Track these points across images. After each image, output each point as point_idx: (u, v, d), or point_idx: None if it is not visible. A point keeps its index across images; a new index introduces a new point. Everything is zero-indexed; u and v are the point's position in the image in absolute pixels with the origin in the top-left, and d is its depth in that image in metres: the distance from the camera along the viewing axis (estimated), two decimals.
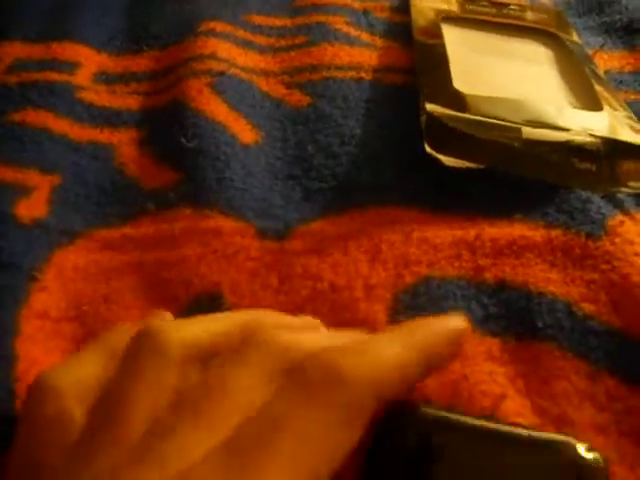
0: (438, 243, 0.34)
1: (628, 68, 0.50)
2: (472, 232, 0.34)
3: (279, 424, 0.19)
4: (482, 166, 0.37)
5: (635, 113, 0.43)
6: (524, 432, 0.24)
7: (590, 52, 0.51)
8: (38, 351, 0.30)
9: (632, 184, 0.37)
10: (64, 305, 0.32)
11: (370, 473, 0.23)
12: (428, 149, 0.37)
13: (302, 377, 0.20)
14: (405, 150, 0.40)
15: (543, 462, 0.23)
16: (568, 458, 0.23)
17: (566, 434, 0.25)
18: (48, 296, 0.33)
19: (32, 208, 0.37)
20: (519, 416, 0.27)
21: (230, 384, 0.21)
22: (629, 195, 0.37)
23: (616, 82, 0.48)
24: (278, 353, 0.22)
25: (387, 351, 0.22)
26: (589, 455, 0.23)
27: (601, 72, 0.48)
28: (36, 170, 0.39)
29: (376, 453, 0.23)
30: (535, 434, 0.24)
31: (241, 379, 0.21)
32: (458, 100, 0.40)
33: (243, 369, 0.21)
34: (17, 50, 0.50)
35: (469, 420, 0.25)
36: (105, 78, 0.48)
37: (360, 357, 0.21)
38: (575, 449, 0.24)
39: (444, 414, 0.25)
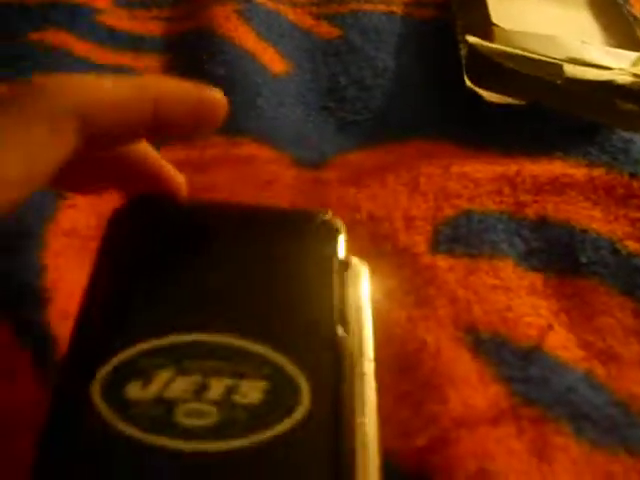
0: (478, 178, 0.33)
1: None
2: (513, 168, 0.34)
3: None
4: (523, 102, 0.36)
5: None
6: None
7: None
8: (67, 265, 0.29)
9: None
10: (94, 223, 0.31)
11: (104, 264, 0.22)
12: (468, 83, 0.36)
13: (15, 91, 0.21)
14: (441, 84, 0.39)
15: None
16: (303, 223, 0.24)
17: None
18: (77, 213, 0.31)
19: None
20: (564, 349, 0.27)
21: None
22: None
23: None
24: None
25: (102, 81, 0.22)
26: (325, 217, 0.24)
27: (638, 14, 0.47)
28: None
29: (110, 243, 0.23)
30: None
31: None
32: (498, 34, 0.39)
33: None
34: None
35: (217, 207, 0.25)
36: (126, 2, 0.46)
37: (69, 79, 0.21)
38: (311, 216, 0.24)
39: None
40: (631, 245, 0.30)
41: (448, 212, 0.32)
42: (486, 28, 0.40)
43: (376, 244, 0.30)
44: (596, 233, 0.31)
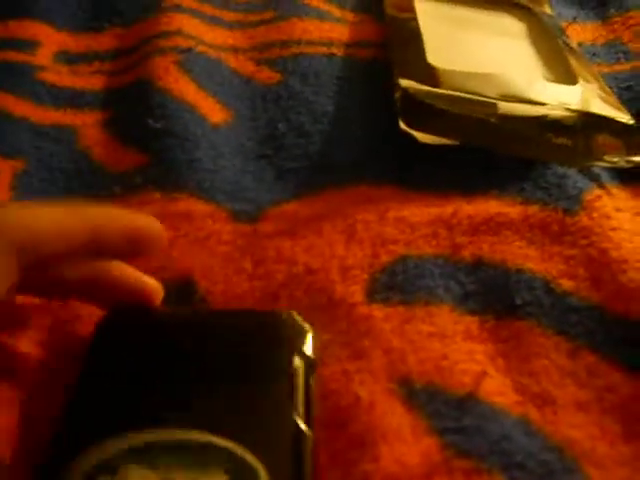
0: (414, 222, 0.33)
1: (600, 40, 0.50)
2: (449, 210, 0.34)
3: None
4: (457, 142, 0.36)
5: (608, 86, 0.43)
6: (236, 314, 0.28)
7: (563, 24, 0.50)
8: None
9: (607, 158, 0.37)
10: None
11: (91, 364, 0.25)
12: (403, 126, 0.36)
13: None
14: (378, 127, 0.40)
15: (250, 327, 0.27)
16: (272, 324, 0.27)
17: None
18: None
19: None
20: (500, 395, 0.27)
21: None
22: (604, 169, 0.37)
23: (589, 55, 0.48)
24: None
25: (48, 210, 0.25)
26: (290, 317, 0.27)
27: (574, 44, 0.48)
28: None
29: (97, 346, 0.26)
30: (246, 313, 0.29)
31: None
32: (432, 75, 0.39)
33: None
34: None
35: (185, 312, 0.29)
36: (67, 58, 0.47)
37: (8, 214, 0.24)
38: (280, 315, 0.27)
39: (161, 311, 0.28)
40: (565, 283, 0.31)
41: (384, 259, 0.32)
42: (422, 69, 0.40)
43: (312, 297, 0.30)
44: (531, 272, 0.31)
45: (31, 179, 0.37)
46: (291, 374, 0.25)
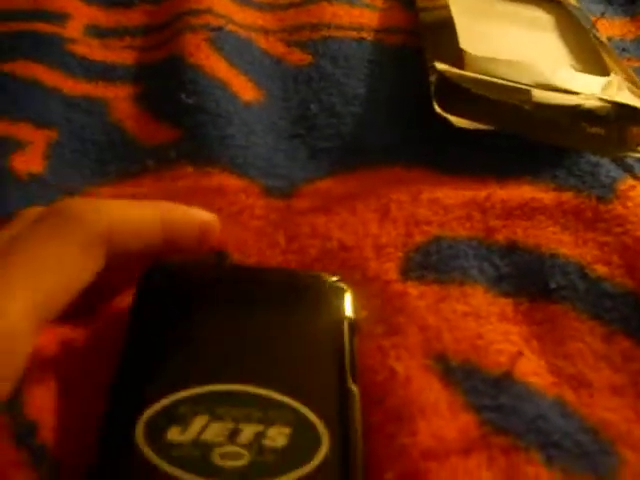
0: (448, 204, 0.33)
1: (630, 36, 0.50)
2: (482, 193, 0.34)
3: (15, 247, 0.22)
4: (491, 128, 0.36)
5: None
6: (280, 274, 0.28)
7: (592, 19, 0.50)
8: None
9: None
10: None
11: (135, 326, 0.25)
12: (437, 109, 0.36)
13: (48, 214, 0.24)
14: (411, 110, 0.40)
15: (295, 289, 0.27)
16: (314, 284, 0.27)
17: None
18: None
19: (28, 163, 0.35)
20: (535, 376, 0.27)
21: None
22: (637, 160, 0.36)
23: (618, 49, 0.48)
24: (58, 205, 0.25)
25: (129, 208, 0.26)
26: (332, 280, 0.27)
27: (604, 38, 0.47)
28: (30, 124, 0.37)
29: (139, 307, 0.26)
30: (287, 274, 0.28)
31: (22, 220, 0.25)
32: (466, 61, 0.39)
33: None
34: (3, 1, 0.48)
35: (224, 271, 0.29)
36: (97, 31, 0.46)
37: (104, 206, 0.25)
38: (319, 277, 0.27)
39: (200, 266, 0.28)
40: (599, 269, 0.30)
41: (418, 239, 0.32)
42: (455, 54, 0.40)
43: (346, 273, 0.30)
44: (565, 258, 0.31)
45: (63, 150, 0.37)
46: (340, 334, 0.25)
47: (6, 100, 0.39)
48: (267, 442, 0.21)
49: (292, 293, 0.27)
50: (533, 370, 0.27)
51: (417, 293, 0.29)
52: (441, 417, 0.24)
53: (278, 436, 0.21)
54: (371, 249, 0.31)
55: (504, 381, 0.26)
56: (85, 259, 0.23)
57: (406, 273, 0.30)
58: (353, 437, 0.22)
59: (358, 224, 0.32)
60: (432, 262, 0.31)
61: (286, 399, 0.22)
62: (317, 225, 0.32)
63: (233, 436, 0.21)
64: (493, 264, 0.31)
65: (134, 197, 0.34)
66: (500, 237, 0.32)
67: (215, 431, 0.21)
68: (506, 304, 0.29)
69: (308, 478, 0.21)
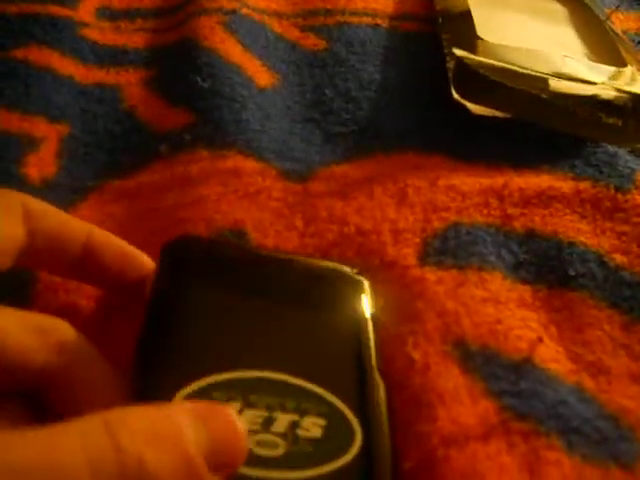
0: (465, 190, 0.33)
1: None
2: (500, 181, 0.34)
3: None
4: (509, 116, 0.36)
5: None
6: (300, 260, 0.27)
7: (606, 12, 0.50)
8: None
9: None
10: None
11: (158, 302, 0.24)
12: (455, 95, 0.36)
13: None
14: (426, 97, 0.39)
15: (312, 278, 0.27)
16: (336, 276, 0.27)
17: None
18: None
19: (42, 165, 0.34)
20: (554, 362, 0.26)
21: None
22: None
23: (634, 43, 0.48)
24: None
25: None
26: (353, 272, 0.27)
27: (619, 30, 0.47)
28: (43, 118, 0.37)
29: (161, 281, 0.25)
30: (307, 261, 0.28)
31: None
32: (484, 48, 0.39)
33: None
34: None
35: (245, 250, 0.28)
36: (109, 13, 0.46)
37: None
38: (341, 269, 0.27)
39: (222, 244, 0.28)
40: (618, 258, 0.30)
41: (436, 224, 0.31)
42: (472, 41, 0.40)
43: (364, 258, 0.30)
44: (584, 246, 0.31)
45: (77, 144, 0.36)
46: (364, 328, 0.25)
47: (19, 89, 0.38)
48: (302, 432, 0.21)
49: (315, 284, 0.26)
50: (552, 356, 0.27)
51: (435, 278, 0.29)
52: (460, 403, 0.24)
53: (313, 427, 0.21)
54: (389, 234, 0.31)
55: (524, 367, 0.26)
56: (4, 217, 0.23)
57: (424, 259, 0.30)
58: (384, 433, 0.22)
59: (375, 209, 0.32)
60: (450, 248, 0.30)
61: (319, 390, 0.22)
62: (334, 209, 0.32)
63: (268, 424, 0.21)
64: (511, 251, 0.31)
65: (147, 185, 0.34)
66: (518, 225, 0.32)
67: (250, 418, 0.21)
68: (524, 290, 0.29)
69: (342, 471, 0.20)
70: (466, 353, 0.26)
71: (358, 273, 0.27)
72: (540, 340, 0.27)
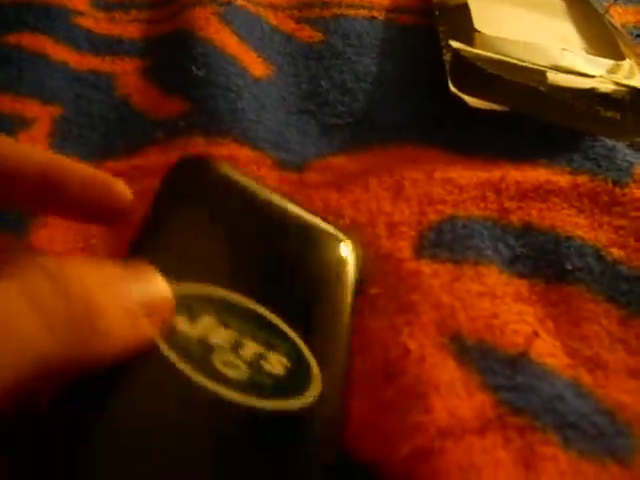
0: (462, 184, 0.33)
1: None
2: (497, 174, 0.33)
3: None
4: (506, 109, 0.36)
5: None
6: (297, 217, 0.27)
7: (605, 5, 0.50)
8: None
9: None
10: (71, 237, 0.30)
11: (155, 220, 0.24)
12: (452, 88, 0.36)
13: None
14: (423, 89, 0.39)
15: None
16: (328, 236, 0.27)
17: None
18: (51, 231, 0.30)
19: (33, 141, 0.34)
20: (551, 357, 0.26)
21: None
22: None
23: (632, 36, 0.47)
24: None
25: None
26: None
27: (618, 24, 0.47)
28: (35, 100, 0.36)
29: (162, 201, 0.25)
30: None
31: None
32: (481, 40, 0.39)
33: None
34: None
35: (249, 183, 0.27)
36: (104, 4, 0.45)
37: None
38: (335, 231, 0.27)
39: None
40: (615, 252, 0.30)
41: (432, 217, 0.31)
42: (469, 34, 0.40)
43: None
44: (581, 240, 0.31)
45: (70, 125, 0.36)
46: (345, 285, 0.25)
47: (12, 73, 0.38)
48: (266, 365, 0.21)
49: (303, 235, 0.26)
50: (549, 351, 0.26)
51: (431, 271, 0.29)
52: (456, 396, 0.24)
53: (277, 364, 0.21)
54: (384, 227, 0.31)
55: (520, 361, 0.26)
56: None
57: (419, 252, 0.30)
58: (339, 391, 0.23)
59: (371, 201, 0.32)
60: (446, 241, 0.30)
61: (291, 334, 0.22)
62: (330, 200, 0.32)
63: (236, 347, 0.21)
64: (508, 245, 0.30)
65: (141, 169, 0.34)
66: (515, 218, 0.32)
67: (222, 336, 0.21)
68: (521, 285, 0.29)
69: (293, 414, 0.21)
70: (462, 346, 0.26)
71: (348, 240, 0.27)
72: (536, 334, 0.26)
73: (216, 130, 0.35)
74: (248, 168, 0.32)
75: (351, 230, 0.30)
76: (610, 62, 0.40)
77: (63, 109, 0.37)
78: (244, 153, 0.33)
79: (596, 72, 0.38)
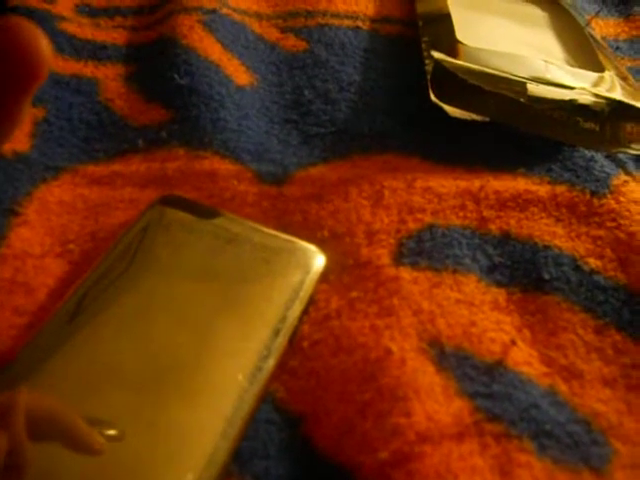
0: (442, 192, 0.33)
1: (623, 36, 0.50)
2: (476, 183, 0.33)
3: None
4: (487, 119, 0.36)
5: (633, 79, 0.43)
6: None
7: (586, 18, 0.50)
8: (20, 291, 0.28)
9: (634, 146, 0.37)
10: (49, 241, 0.30)
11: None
12: (433, 98, 0.36)
13: None
14: (405, 100, 0.39)
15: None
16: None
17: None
18: (30, 231, 0.30)
19: (14, 141, 0.34)
20: (527, 365, 0.26)
21: None
22: (630, 157, 0.37)
23: (612, 48, 0.48)
24: None
25: None
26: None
27: (598, 36, 0.48)
28: None
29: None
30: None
31: None
32: (461, 51, 0.39)
33: None
34: None
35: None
36: (88, 10, 0.45)
37: None
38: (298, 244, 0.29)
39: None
40: (592, 262, 0.30)
41: (412, 226, 0.31)
42: (451, 45, 0.40)
43: (338, 259, 0.30)
44: (558, 250, 0.31)
45: (51, 128, 0.36)
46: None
47: None
48: None
49: (265, 254, 0.28)
50: (525, 360, 0.27)
51: (410, 278, 0.29)
52: (435, 401, 0.24)
53: None
54: (363, 236, 0.31)
55: (497, 369, 0.26)
56: None
57: (399, 259, 0.30)
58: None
59: (351, 211, 0.32)
60: (425, 249, 0.30)
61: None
62: (309, 213, 0.32)
63: None
64: (486, 254, 0.31)
65: (121, 175, 0.34)
66: (493, 227, 0.32)
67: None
68: (499, 293, 0.29)
69: None
70: (441, 352, 0.26)
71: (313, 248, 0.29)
72: (513, 343, 0.27)
73: (197, 142, 0.35)
74: (228, 183, 0.33)
75: (328, 242, 0.30)
76: (590, 74, 0.41)
77: (45, 112, 0.37)
78: (224, 166, 0.33)
79: (576, 84, 0.39)
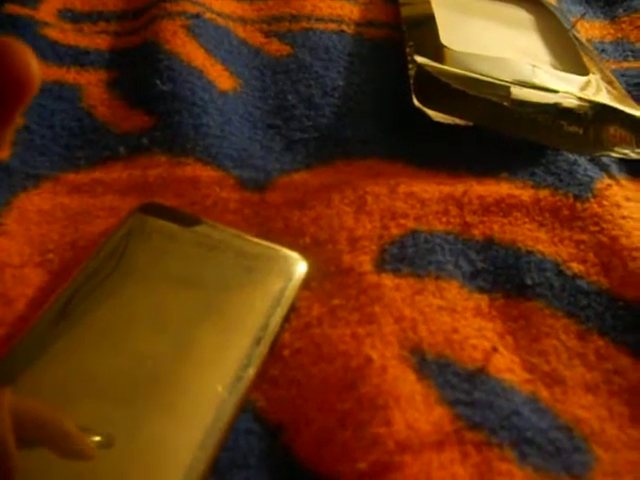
0: (425, 198, 0.33)
1: (609, 38, 0.50)
2: (460, 188, 0.33)
3: None
4: (470, 123, 0.36)
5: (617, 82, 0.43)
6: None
7: (572, 20, 0.50)
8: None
9: (617, 149, 0.37)
10: (28, 251, 0.30)
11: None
12: (416, 103, 0.36)
13: None
14: (389, 104, 0.39)
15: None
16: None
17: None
18: (9, 241, 0.30)
19: None
20: (509, 372, 0.26)
21: None
22: (614, 160, 0.37)
23: (598, 51, 0.48)
24: None
25: None
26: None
27: (584, 39, 0.48)
28: None
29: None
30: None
31: None
32: (446, 55, 0.39)
33: None
34: None
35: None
36: (71, 16, 0.45)
37: None
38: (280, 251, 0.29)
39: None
40: (575, 267, 0.30)
41: (394, 232, 0.31)
42: (436, 49, 0.40)
43: (320, 267, 0.29)
44: (541, 254, 0.31)
45: (32, 135, 0.36)
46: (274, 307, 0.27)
47: None
48: None
49: (246, 261, 0.29)
50: (507, 366, 0.27)
51: (392, 285, 0.29)
52: (416, 409, 0.24)
53: None
54: (345, 242, 0.31)
55: (478, 376, 0.26)
56: None
57: (381, 266, 0.30)
58: None
59: (333, 217, 0.32)
60: (408, 255, 0.30)
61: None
62: (291, 220, 0.31)
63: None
64: (469, 259, 0.31)
65: (102, 183, 0.33)
66: (477, 232, 0.32)
67: None
68: (481, 300, 0.29)
69: None
70: (422, 360, 0.26)
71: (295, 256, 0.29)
72: (495, 350, 0.27)
73: (179, 148, 0.34)
74: (210, 190, 0.32)
75: (310, 249, 0.30)
76: (574, 77, 0.41)
77: (25, 119, 0.36)
78: (206, 173, 0.33)
79: (561, 87, 0.39)
